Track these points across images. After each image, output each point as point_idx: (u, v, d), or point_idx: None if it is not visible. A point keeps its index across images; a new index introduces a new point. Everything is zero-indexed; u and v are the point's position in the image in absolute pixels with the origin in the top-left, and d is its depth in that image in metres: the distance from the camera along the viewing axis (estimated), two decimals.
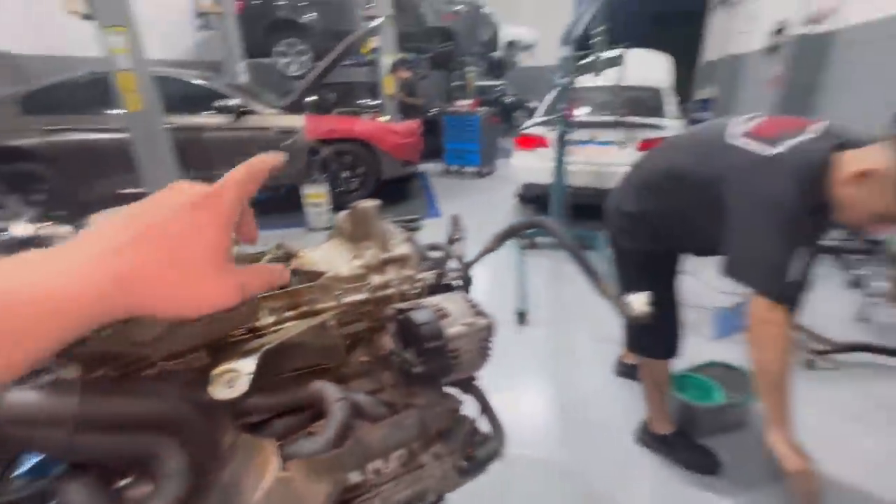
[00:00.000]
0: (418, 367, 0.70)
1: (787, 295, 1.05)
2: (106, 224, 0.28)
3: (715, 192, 1.14)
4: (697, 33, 11.55)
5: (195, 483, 0.52)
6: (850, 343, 2.14)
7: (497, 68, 11.04)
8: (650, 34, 12.34)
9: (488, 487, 1.48)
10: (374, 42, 6.19)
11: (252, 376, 0.53)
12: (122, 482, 0.52)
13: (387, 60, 6.00)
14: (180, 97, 4.21)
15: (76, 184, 4.07)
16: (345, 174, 4.60)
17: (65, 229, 0.74)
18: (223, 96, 4.34)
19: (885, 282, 2.68)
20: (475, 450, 0.75)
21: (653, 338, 1.51)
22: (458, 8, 7.93)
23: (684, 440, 1.61)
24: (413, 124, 5.20)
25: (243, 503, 0.56)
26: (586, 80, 4.82)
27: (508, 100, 12.32)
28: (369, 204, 0.87)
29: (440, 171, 6.82)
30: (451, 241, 1.02)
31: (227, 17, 5.84)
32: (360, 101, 7.75)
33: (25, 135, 4.01)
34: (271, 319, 0.69)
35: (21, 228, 0.70)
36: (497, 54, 10.18)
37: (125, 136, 3.54)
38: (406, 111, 6.06)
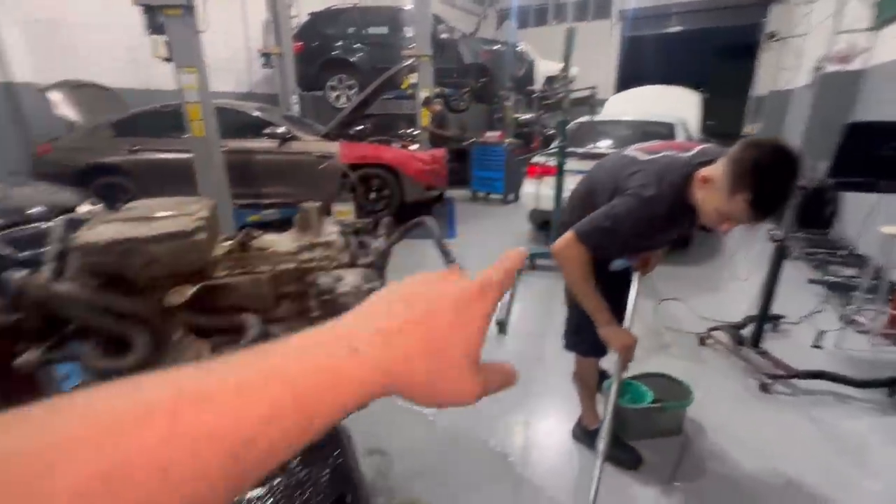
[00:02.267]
0: (315, 311, 1.03)
1: (589, 238, 1.33)
2: (381, 301, 0.29)
3: (611, 193, 1.41)
4: (750, 68, 11.43)
5: (152, 356, 0.87)
6: (809, 370, 2.19)
7: (536, 102, 11.45)
8: (707, 70, 12.29)
9: (438, 463, 1.74)
10: (412, 78, 6.80)
11: (186, 296, 0.88)
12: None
13: (422, 94, 6.56)
14: (238, 125, 4.93)
15: (150, 195, 4.84)
16: (371, 195, 5.09)
17: (101, 209, 1.15)
18: (273, 125, 5.01)
19: (878, 318, 2.66)
20: None
21: (582, 337, 1.73)
22: (496, 47, 8.47)
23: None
24: (438, 153, 5.64)
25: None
26: (612, 115, 5.12)
27: (548, 132, 12.68)
28: (312, 205, 1.23)
29: (468, 197, 7.19)
30: (379, 237, 1.35)
31: (285, 56, 6.68)
32: (401, 132, 8.39)
33: (116, 154, 4.86)
34: (224, 273, 1.04)
35: (86, 208, 1.12)
36: (535, 88, 10.60)
37: (189, 156, 4.22)
38: (438, 141, 6.54)
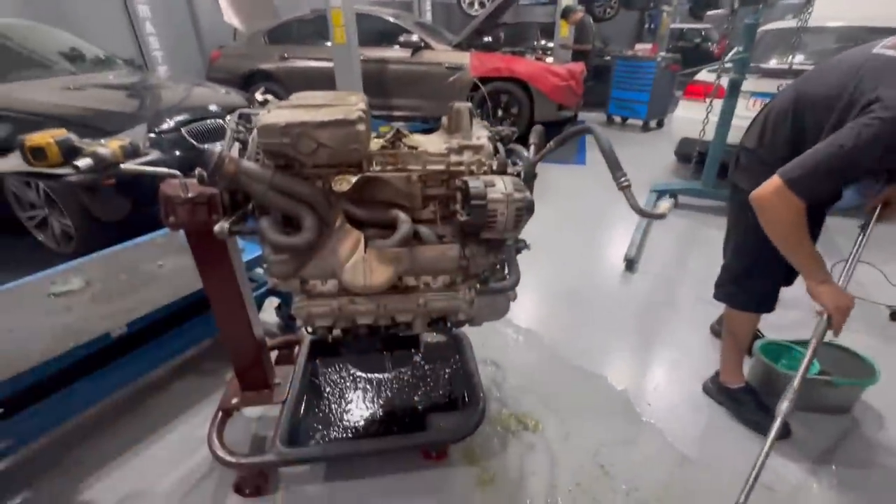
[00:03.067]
0: (463, 216, 0.99)
1: (808, 187, 1.05)
2: None
3: (841, 112, 1.09)
4: None
5: (317, 238, 0.93)
6: None
7: (702, 8, 9.43)
8: None
9: (549, 386, 1.74)
10: None
11: (351, 183, 0.90)
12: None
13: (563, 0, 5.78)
14: (374, 32, 4.93)
15: None
16: (498, 113, 4.84)
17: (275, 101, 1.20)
18: (408, 32, 4.90)
19: None
20: (490, 281, 1.02)
21: (745, 289, 1.48)
22: None
23: (753, 398, 1.58)
24: (576, 67, 5.05)
25: (337, 262, 0.97)
26: (818, 19, 3.87)
27: (711, 46, 10.56)
28: (464, 105, 1.15)
29: (602, 122, 6.49)
30: (529, 146, 1.25)
31: None
32: (535, 44, 7.66)
33: (269, 61, 5.27)
34: (378, 168, 1.05)
35: (259, 95, 1.19)
36: None
37: (329, 65, 4.39)
38: (576, 55, 5.84)
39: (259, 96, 1.19)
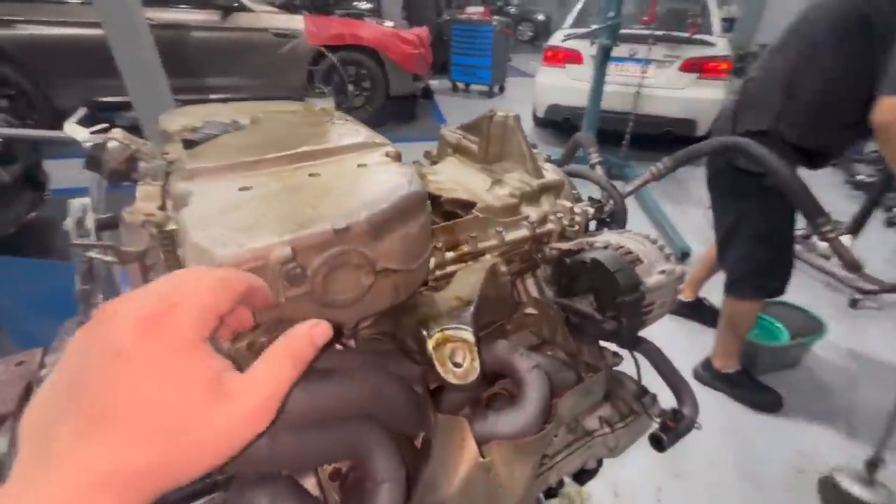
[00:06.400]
0: (608, 323, 0.56)
1: None
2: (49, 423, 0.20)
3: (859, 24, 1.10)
4: None
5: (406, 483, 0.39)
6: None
7: None
8: None
9: None
10: None
11: (478, 346, 0.38)
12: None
13: None
14: None
15: (48, 88, 3.56)
16: (350, 88, 4.16)
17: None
18: None
19: None
20: (675, 422, 0.63)
21: (770, 275, 1.42)
22: None
23: (748, 379, 1.59)
24: (423, 32, 4.65)
25: (440, 498, 0.45)
26: None
27: (513, 10, 11.28)
28: (508, 114, 0.68)
29: (446, 89, 6.31)
30: (592, 166, 0.85)
31: None
32: (355, 2, 6.91)
33: None
34: (432, 262, 0.53)
35: (76, 130, 0.50)
36: None
37: (98, 32, 3.05)
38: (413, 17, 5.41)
39: (77, 130, 0.51)
